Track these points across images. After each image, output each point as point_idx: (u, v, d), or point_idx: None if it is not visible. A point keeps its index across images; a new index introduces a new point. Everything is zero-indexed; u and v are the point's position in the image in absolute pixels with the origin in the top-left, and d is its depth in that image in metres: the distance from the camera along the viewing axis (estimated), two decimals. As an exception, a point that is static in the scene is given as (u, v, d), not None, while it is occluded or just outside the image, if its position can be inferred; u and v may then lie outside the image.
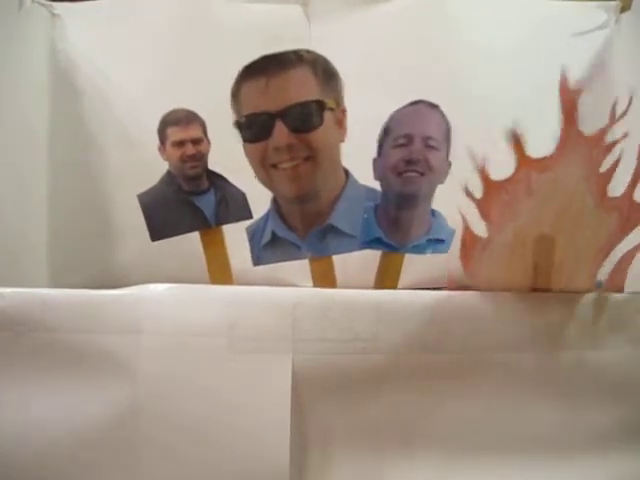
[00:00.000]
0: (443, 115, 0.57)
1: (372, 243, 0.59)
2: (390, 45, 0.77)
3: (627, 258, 0.45)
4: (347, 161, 0.59)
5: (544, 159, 0.42)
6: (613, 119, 0.43)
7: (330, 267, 0.59)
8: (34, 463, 0.41)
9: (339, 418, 0.42)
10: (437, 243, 0.59)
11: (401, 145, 0.57)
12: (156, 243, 0.61)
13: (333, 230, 0.58)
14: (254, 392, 0.41)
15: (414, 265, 0.60)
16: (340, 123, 0.57)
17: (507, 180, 0.43)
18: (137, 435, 0.41)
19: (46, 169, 0.75)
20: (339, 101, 0.57)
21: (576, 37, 0.73)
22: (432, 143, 0.57)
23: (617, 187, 0.44)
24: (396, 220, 0.58)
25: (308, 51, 0.55)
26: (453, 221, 0.57)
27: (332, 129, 0.57)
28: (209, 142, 0.61)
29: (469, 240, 0.44)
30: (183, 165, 0.60)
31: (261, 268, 0.61)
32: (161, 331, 0.42)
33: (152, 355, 0.41)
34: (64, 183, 0.75)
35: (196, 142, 0.61)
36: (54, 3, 0.76)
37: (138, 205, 0.62)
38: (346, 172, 0.59)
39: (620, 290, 0.46)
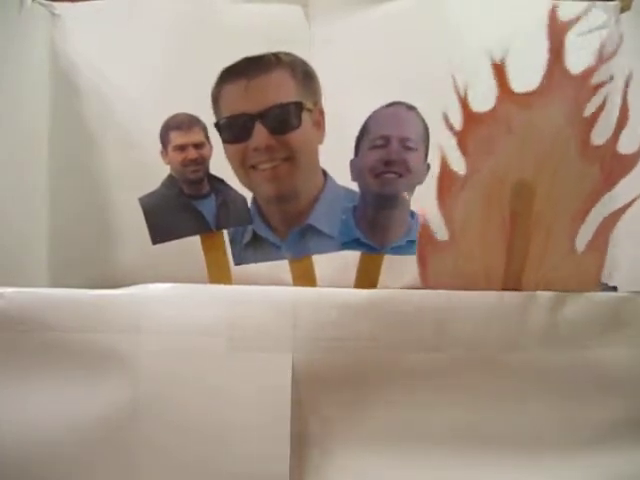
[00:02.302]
0: (420, 117, 0.58)
1: (351, 244, 0.59)
2: (390, 46, 0.77)
3: (609, 222, 0.45)
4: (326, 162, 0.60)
5: (527, 94, 0.42)
6: (601, 58, 0.43)
7: (310, 267, 0.60)
8: (34, 462, 0.41)
9: (339, 417, 0.43)
10: None
11: (378, 146, 0.58)
12: (156, 245, 0.61)
13: (312, 230, 0.59)
14: (254, 391, 0.41)
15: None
16: (318, 125, 0.58)
17: (487, 113, 0.43)
18: (137, 434, 0.41)
19: (46, 170, 0.75)
20: (317, 102, 0.58)
21: (576, 37, 0.73)
22: (410, 144, 0.58)
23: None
24: (375, 221, 0.59)
25: (287, 53, 0.56)
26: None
27: (310, 130, 0.58)
28: (211, 146, 0.61)
29: (446, 176, 0.44)
30: (185, 169, 0.61)
31: (262, 271, 0.61)
32: (161, 330, 0.42)
33: (152, 354, 0.41)
34: (65, 184, 0.76)
35: (198, 146, 0.61)
36: (55, 3, 0.76)
37: (138, 206, 0.62)
38: (324, 173, 0.60)
39: (603, 256, 0.45)
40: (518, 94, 0.43)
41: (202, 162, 0.61)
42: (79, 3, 0.78)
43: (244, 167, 0.58)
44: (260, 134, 0.56)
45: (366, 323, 0.43)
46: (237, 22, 0.77)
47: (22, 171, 0.71)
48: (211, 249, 0.62)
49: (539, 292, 0.44)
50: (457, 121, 0.43)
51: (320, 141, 0.59)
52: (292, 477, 0.41)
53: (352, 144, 0.59)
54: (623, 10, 0.77)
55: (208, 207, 0.62)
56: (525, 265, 0.45)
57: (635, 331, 0.44)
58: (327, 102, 0.59)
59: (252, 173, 0.58)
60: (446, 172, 0.44)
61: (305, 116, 0.57)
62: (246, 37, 0.73)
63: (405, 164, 0.58)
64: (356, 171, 0.59)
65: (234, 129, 0.57)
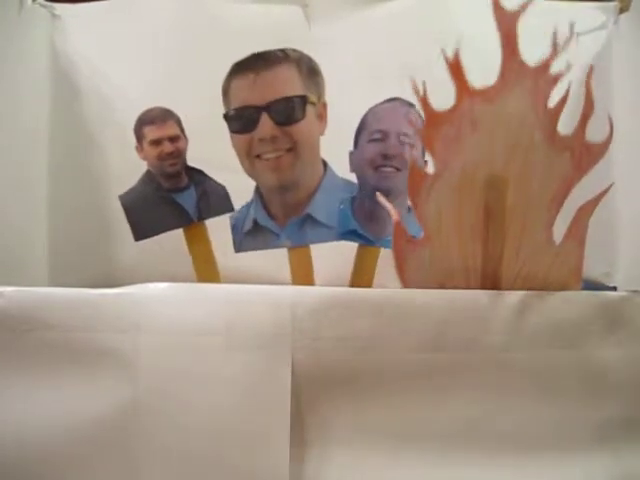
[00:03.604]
0: (419, 114, 0.60)
1: (348, 234, 0.62)
2: (390, 46, 0.77)
3: (585, 211, 0.46)
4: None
5: (486, 90, 0.43)
6: (555, 49, 0.43)
7: (307, 257, 0.62)
8: (35, 460, 0.42)
9: (338, 416, 0.43)
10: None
11: (377, 140, 0.60)
12: (157, 243, 0.62)
13: (311, 220, 0.61)
14: (253, 390, 0.42)
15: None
16: (321, 117, 0.61)
17: (450, 111, 0.44)
18: (136, 432, 0.41)
19: (46, 169, 0.76)
20: (321, 96, 0.61)
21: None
22: (407, 140, 0.60)
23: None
24: (372, 213, 0.61)
25: (294, 50, 0.60)
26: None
27: (313, 123, 0.60)
28: (186, 138, 0.62)
29: (416, 175, 0.45)
30: (162, 163, 0.62)
31: (257, 262, 0.61)
32: (160, 330, 0.42)
33: (151, 353, 0.42)
34: (64, 183, 0.76)
35: (173, 139, 0.62)
36: (54, 4, 0.77)
37: (138, 205, 0.62)
38: (324, 164, 0.62)
39: (581, 245, 0.46)
40: (477, 90, 0.44)
41: (179, 155, 0.62)
42: (79, 4, 0.78)
43: (250, 157, 0.60)
44: (266, 125, 0.59)
45: (366, 323, 0.43)
46: (237, 23, 0.78)
47: (22, 171, 0.72)
48: (194, 240, 0.63)
49: (539, 291, 0.44)
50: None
51: (322, 133, 0.61)
52: (292, 475, 0.41)
53: (352, 138, 0.61)
54: (622, 11, 0.77)
55: (188, 199, 0.63)
56: (502, 258, 0.46)
57: (634, 330, 0.44)
58: (327, 101, 0.61)
59: (257, 163, 0.60)
60: (415, 171, 0.46)
61: (309, 109, 0.60)
62: (246, 37, 0.74)
63: (403, 158, 0.60)
64: (355, 163, 0.62)
65: (241, 120, 0.60)
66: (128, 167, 0.69)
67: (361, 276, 0.61)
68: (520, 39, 0.43)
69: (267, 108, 0.59)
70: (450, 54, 0.43)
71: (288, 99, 0.59)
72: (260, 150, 0.59)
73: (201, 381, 0.42)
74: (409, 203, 0.46)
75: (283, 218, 0.61)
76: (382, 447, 0.43)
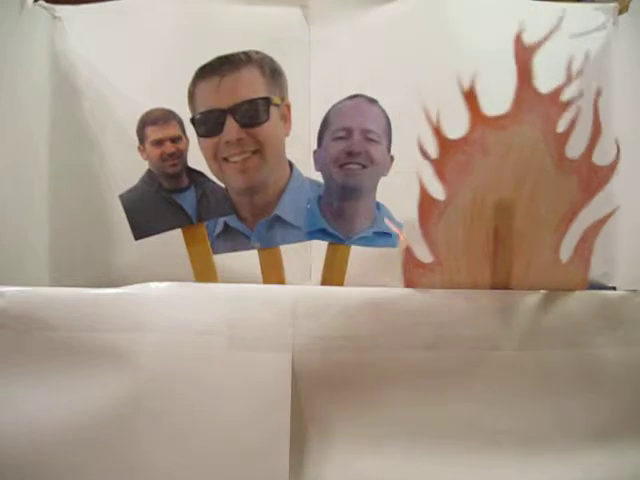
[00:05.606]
0: (382, 110, 0.61)
1: (317, 233, 0.62)
2: (389, 48, 0.78)
3: (593, 231, 0.46)
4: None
5: (499, 117, 0.43)
6: (570, 77, 0.43)
7: (278, 257, 0.62)
8: (35, 461, 0.43)
9: (339, 416, 0.43)
10: (384, 236, 0.62)
11: (341, 138, 0.60)
12: (156, 243, 0.62)
13: (279, 221, 0.62)
14: (254, 389, 0.42)
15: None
16: (285, 118, 0.61)
17: (463, 139, 0.44)
18: (138, 431, 0.42)
19: (47, 170, 0.77)
20: (284, 97, 0.61)
21: (574, 38, 0.74)
22: (372, 136, 0.60)
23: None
24: (339, 211, 0.62)
25: (256, 52, 0.60)
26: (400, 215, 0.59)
27: (278, 124, 0.61)
28: (187, 140, 0.63)
29: (426, 203, 0.45)
30: (163, 163, 0.63)
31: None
32: (162, 329, 0.43)
33: (153, 353, 0.42)
34: (65, 184, 0.78)
35: (175, 140, 0.63)
36: (55, 5, 0.77)
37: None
38: (290, 165, 0.63)
39: (587, 264, 0.47)
40: (491, 118, 0.44)
41: (180, 155, 0.63)
42: (79, 5, 0.78)
43: (217, 160, 0.61)
44: (231, 128, 0.59)
45: (366, 323, 0.43)
46: (238, 24, 0.78)
47: (22, 171, 0.73)
48: (193, 241, 0.64)
49: (538, 291, 0.44)
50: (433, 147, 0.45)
51: (287, 134, 0.62)
52: (292, 474, 0.41)
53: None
54: (621, 12, 0.78)
55: (188, 200, 0.64)
56: (511, 278, 0.47)
57: (633, 329, 0.44)
58: (324, 101, 0.61)
59: (224, 166, 0.61)
60: (426, 199, 0.46)
61: (273, 110, 0.60)
62: (247, 39, 0.74)
63: (368, 155, 0.60)
64: (320, 162, 0.62)
65: (207, 124, 0.60)
66: (128, 168, 0.69)
67: (332, 274, 0.62)
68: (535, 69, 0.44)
69: (232, 111, 0.59)
70: (466, 83, 0.43)
71: (252, 101, 0.59)
72: (227, 153, 0.60)
73: (202, 380, 0.42)
74: (420, 228, 0.46)
75: (252, 220, 0.62)
76: (382, 446, 0.44)
